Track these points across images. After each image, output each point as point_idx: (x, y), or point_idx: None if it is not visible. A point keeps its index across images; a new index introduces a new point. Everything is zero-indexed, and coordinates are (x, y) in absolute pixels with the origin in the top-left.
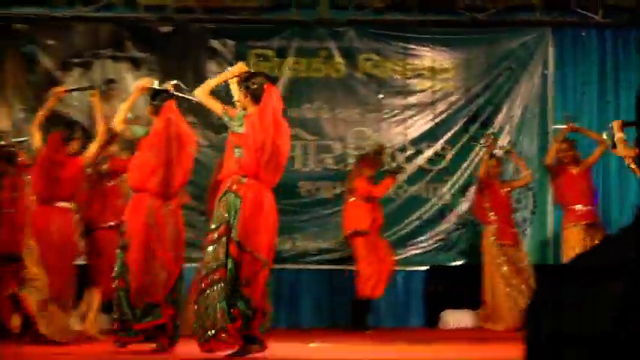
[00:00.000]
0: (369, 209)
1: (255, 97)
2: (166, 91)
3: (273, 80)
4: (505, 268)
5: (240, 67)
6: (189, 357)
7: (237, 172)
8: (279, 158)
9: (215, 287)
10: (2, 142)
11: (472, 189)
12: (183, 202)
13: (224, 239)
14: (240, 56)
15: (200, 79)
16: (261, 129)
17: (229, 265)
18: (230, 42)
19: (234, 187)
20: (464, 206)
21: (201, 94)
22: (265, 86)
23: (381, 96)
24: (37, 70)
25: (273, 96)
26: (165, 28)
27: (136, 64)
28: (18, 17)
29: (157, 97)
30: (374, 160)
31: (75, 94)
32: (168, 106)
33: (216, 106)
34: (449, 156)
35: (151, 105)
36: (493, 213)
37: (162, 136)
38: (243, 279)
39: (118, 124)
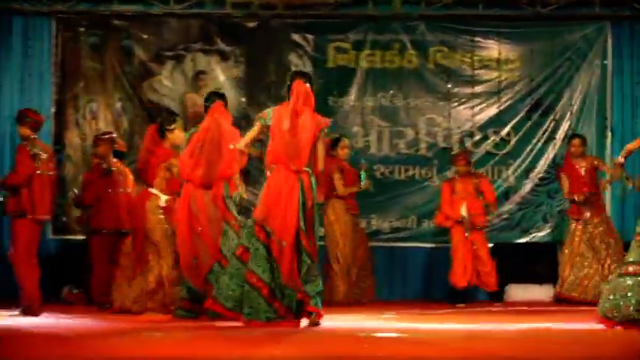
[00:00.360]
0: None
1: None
2: (216, 93)
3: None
4: (584, 245)
5: None
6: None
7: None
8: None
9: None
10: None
11: (535, 172)
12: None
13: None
14: (319, 49)
15: (282, 70)
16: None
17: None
18: (310, 36)
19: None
20: (527, 188)
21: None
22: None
23: (449, 85)
24: (134, 62)
25: (294, 92)
26: (251, 24)
27: (223, 56)
28: (117, 14)
29: (209, 99)
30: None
31: (167, 83)
32: (216, 106)
33: (254, 133)
34: (513, 141)
35: (203, 105)
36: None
37: (208, 133)
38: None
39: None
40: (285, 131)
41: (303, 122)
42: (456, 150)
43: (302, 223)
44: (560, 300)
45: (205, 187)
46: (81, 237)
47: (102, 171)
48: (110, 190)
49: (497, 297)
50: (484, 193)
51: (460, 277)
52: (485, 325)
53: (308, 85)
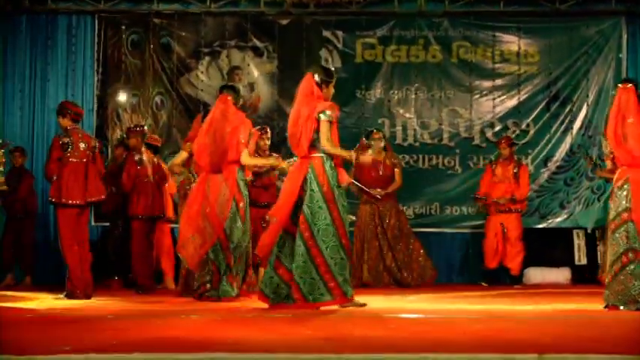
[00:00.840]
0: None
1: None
2: (226, 86)
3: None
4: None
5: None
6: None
7: None
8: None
9: None
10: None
11: (553, 160)
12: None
13: None
14: (347, 45)
15: (313, 64)
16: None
17: None
18: (339, 32)
19: None
20: (545, 176)
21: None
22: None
23: (471, 79)
24: (172, 58)
25: (301, 85)
26: (284, 21)
27: (257, 52)
28: (156, 13)
29: (220, 91)
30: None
31: (203, 78)
32: (221, 98)
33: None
34: (532, 131)
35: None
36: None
37: (213, 123)
38: None
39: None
40: (290, 123)
41: (303, 110)
42: (477, 140)
43: (306, 208)
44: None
45: (216, 172)
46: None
47: (134, 161)
48: (146, 180)
49: (516, 280)
50: (520, 180)
51: (489, 258)
52: (505, 307)
53: (318, 79)
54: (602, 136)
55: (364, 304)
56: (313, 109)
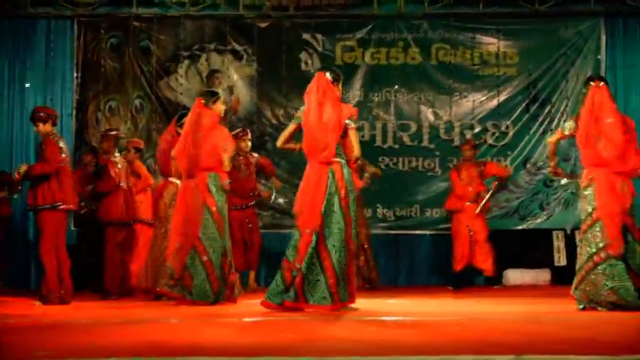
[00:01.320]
0: None
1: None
2: (202, 91)
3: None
4: None
5: None
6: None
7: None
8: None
9: None
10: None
11: (532, 161)
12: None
13: None
14: (327, 47)
15: (293, 67)
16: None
17: None
18: (319, 35)
19: None
20: (524, 177)
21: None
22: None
23: (451, 81)
24: (151, 61)
25: (315, 85)
26: (263, 24)
27: (236, 55)
28: (136, 17)
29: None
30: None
31: (183, 81)
32: (197, 103)
33: (287, 131)
34: (511, 133)
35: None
36: None
37: (190, 127)
38: None
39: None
40: (311, 125)
41: (327, 114)
42: (457, 142)
43: (332, 213)
44: None
45: (190, 177)
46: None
47: (114, 164)
48: (118, 185)
49: (496, 281)
50: (495, 172)
51: (457, 261)
52: (484, 308)
53: (330, 77)
54: (570, 119)
55: (357, 309)
56: (339, 114)
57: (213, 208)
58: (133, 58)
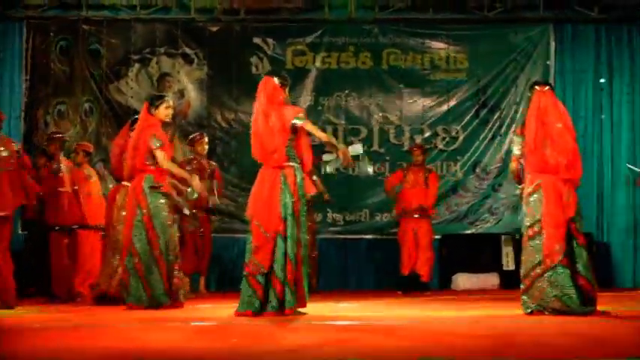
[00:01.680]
0: None
1: None
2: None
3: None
4: None
5: None
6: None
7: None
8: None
9: None
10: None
11: (481, 166)
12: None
13: None
14: (278, 51)
15: (243, 71)
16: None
17: None
18: (270, 39)
19: None
20: (473, 182)
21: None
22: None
23: (401, 85)
24: (101, 65)
25: (261, 90)
26: (214, 28)
27: (187, 59)
28: (86, 20)
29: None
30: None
31: (133, 85)
32: (145, 105)
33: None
34: (461, 138)
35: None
36: None
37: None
38: None
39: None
40: (259, 130)
41: (273, 118)
42: (407, 146)
43: (287, 217)
44: None
45: (131, 179)
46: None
47: (51, 170)
48: (62, 189)
49: (427, 287)
50: (430, 187)
51: (405, 265)
52: (432, 313)
53: (277, 81)
54: (515, 134)
55: (306, 314)
56: (283, 118)
57: (144, 210)
58: (82, 61)
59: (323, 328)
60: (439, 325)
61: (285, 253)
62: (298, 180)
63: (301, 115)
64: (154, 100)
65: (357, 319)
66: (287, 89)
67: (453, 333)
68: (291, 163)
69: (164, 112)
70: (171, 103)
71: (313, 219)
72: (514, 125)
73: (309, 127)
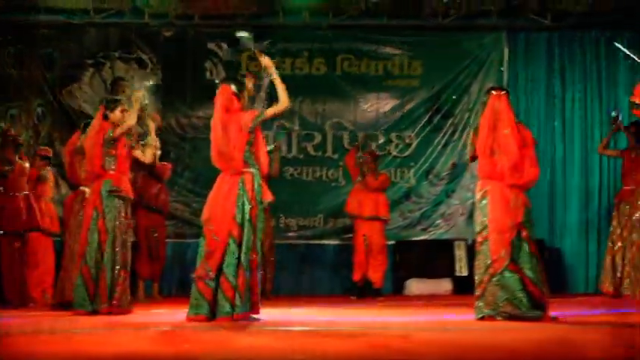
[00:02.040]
0: None
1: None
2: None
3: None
4: None
5: None
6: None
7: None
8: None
9: None
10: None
11: (434, 172)
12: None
13: None
14: (232, 57)
15: (197, 76)
16: None
17: None
18: (224, 44)
19: None
20: (426, 188)
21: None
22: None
23: (355, 91)
24: (54, 69)
25: (218, 97)
26: (168, 33)
27: (141, 64)
28: (39, 24)
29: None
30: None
31: (87, 90)
32: (100, 109)
33: None
34: (414, 144)
35: None
36: None
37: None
38: None
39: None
40: (216, 138)
41: (230, 127)
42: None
43: (244, 223)
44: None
45: (92, 183)
46: None
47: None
48: (13, 193)
49: (379, 292)
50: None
51: (356, 270)
52: (386, 318)
53: (234, 89)
54: (470, 135)
55: (259, 319)
56: (239, 124)
57: (100, 214)
58: (35, 65)
59: (276, 334)
60: (391, 331)
61: (239, 259)
62: (256, 186)
63: (258, 115)
64: (110, 104)
65: (311, 324)
66: (246, 93)
67: (406, 338)
68: (250, 170)
69: (119, 115)
70: (126, 107)
71: (271, 224)
72: (467, 131)
73: (271, 110)
